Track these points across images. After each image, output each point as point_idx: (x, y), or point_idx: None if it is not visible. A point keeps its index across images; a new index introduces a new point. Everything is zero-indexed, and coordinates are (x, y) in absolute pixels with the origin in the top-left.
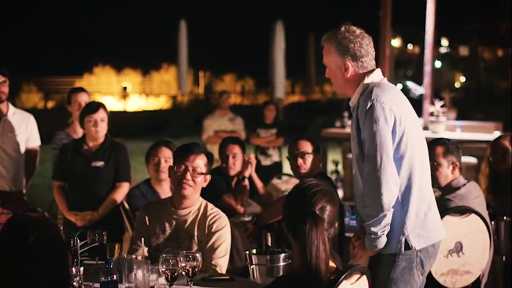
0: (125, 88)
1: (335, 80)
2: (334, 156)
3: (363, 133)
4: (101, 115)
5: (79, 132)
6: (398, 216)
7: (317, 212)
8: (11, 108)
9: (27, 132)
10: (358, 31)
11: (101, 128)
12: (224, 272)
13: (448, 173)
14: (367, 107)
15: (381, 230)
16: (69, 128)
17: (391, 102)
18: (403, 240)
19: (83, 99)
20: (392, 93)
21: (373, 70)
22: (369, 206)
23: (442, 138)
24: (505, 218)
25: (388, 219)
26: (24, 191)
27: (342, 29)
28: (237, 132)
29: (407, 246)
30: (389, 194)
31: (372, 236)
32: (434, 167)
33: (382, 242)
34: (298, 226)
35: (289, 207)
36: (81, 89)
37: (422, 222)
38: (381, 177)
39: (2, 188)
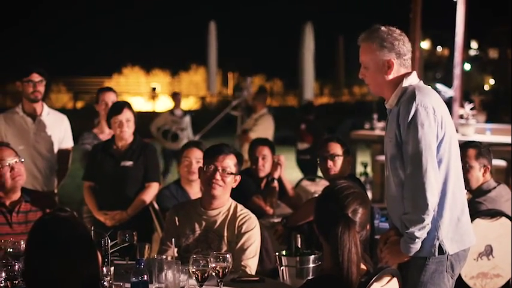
0: (154, 89)
1: (372, 79)
2: (363, 158)
3: (406, 137)
4: (126, 116)
5: (106, 132)
6: (433, 220)
7: (349, 214)
8: (46, 108)
9: (60, 133)
10: (398, 30)
11: (127, 129)
12: (253, 273)
13: (479, 175)
14: (412, 112)
15: (424, 235)
16: (96, 128)
17: (435, 107)
18: (437, 244)
19: (110, 98)
20: (433, 97)
21: (411, 73)
22: (413, 211)
23: (474, 141)
24: None
25: (429, 224)
26: (55, 191)
27: (383, 28)
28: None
29: (441, 251)
30: (433, 199)
31: (415, 240)
32: (466, 170)
33: (418, 246)
34: (331, 229)
35: (321, 210)
36: (108, 89)
37: (456, 226)
38: (426, 183)
39: (33, 187)
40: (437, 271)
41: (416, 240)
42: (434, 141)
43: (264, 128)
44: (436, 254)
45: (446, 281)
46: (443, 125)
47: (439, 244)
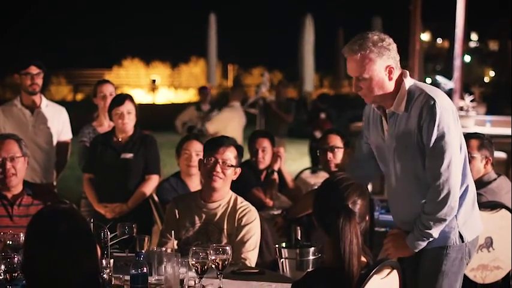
0: (154, 81)
1: (373, 90)
2: None
3: (435, 142)
4: (127, 107)
5: (105, 125)
6: None
7: (349, 205)
8: (44, 100)
9: (59, 125)
10: (386, 36)
11: (128, 121)
12: (253, 265)
13: (480, 167)
14: (438, 117)
15: (437, 235)
16: (96, 122)
17: (451, 106)
18: (457, 233)
19: (108, 90)
20: (444, 94)
21: (404, 73)
22: (438, 213)
23: (477, 133)
24: None
25: None
26: (54, 184)
27: (372, 35)
28: None
29: (461, 239)
30: (457, 202)
31: (429, 239)
32: (468, 160)
33: (425, 244)
34: (331, 220)
35: (321, 201)
36: (106, 81)
37: (471, 213)
38: (453, 187)
39: (32, 180)
40: (457, 259)
41: (430, 239)
42: (458, 141)
43: (221, 119)
44: (457, 242)
45: (464, 268)
46: (458, 121)
47: (459, 232)
